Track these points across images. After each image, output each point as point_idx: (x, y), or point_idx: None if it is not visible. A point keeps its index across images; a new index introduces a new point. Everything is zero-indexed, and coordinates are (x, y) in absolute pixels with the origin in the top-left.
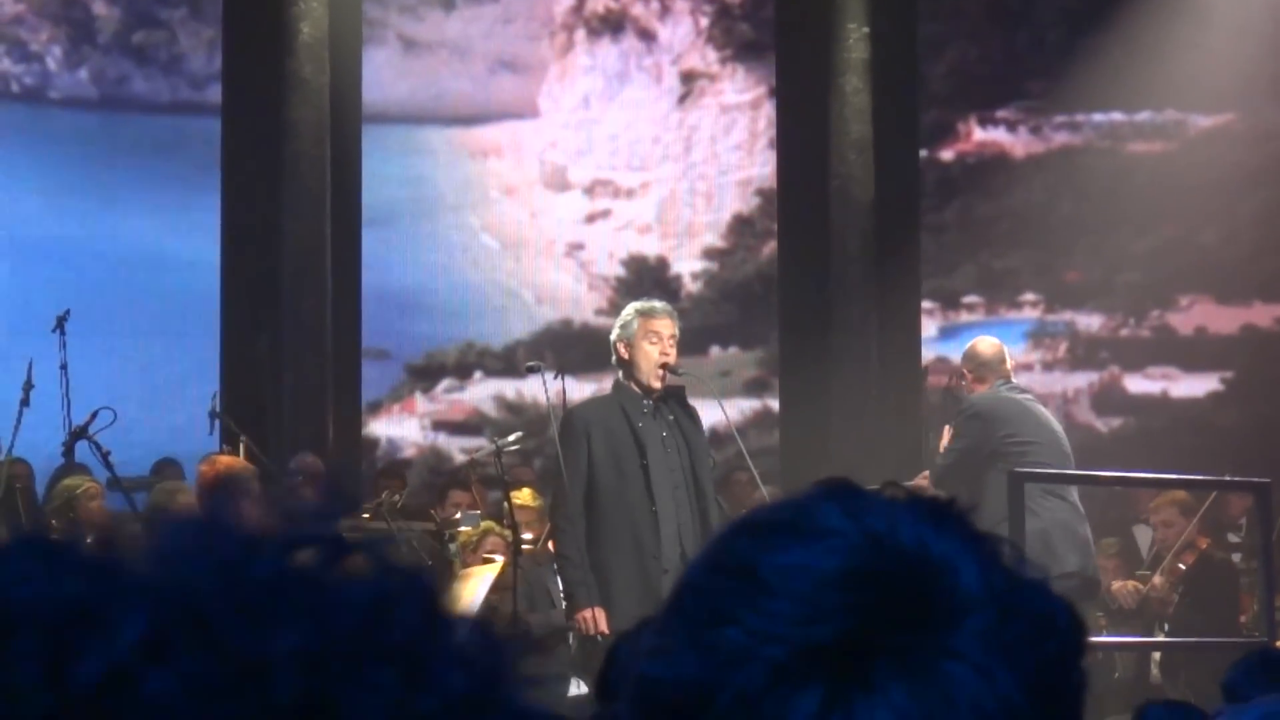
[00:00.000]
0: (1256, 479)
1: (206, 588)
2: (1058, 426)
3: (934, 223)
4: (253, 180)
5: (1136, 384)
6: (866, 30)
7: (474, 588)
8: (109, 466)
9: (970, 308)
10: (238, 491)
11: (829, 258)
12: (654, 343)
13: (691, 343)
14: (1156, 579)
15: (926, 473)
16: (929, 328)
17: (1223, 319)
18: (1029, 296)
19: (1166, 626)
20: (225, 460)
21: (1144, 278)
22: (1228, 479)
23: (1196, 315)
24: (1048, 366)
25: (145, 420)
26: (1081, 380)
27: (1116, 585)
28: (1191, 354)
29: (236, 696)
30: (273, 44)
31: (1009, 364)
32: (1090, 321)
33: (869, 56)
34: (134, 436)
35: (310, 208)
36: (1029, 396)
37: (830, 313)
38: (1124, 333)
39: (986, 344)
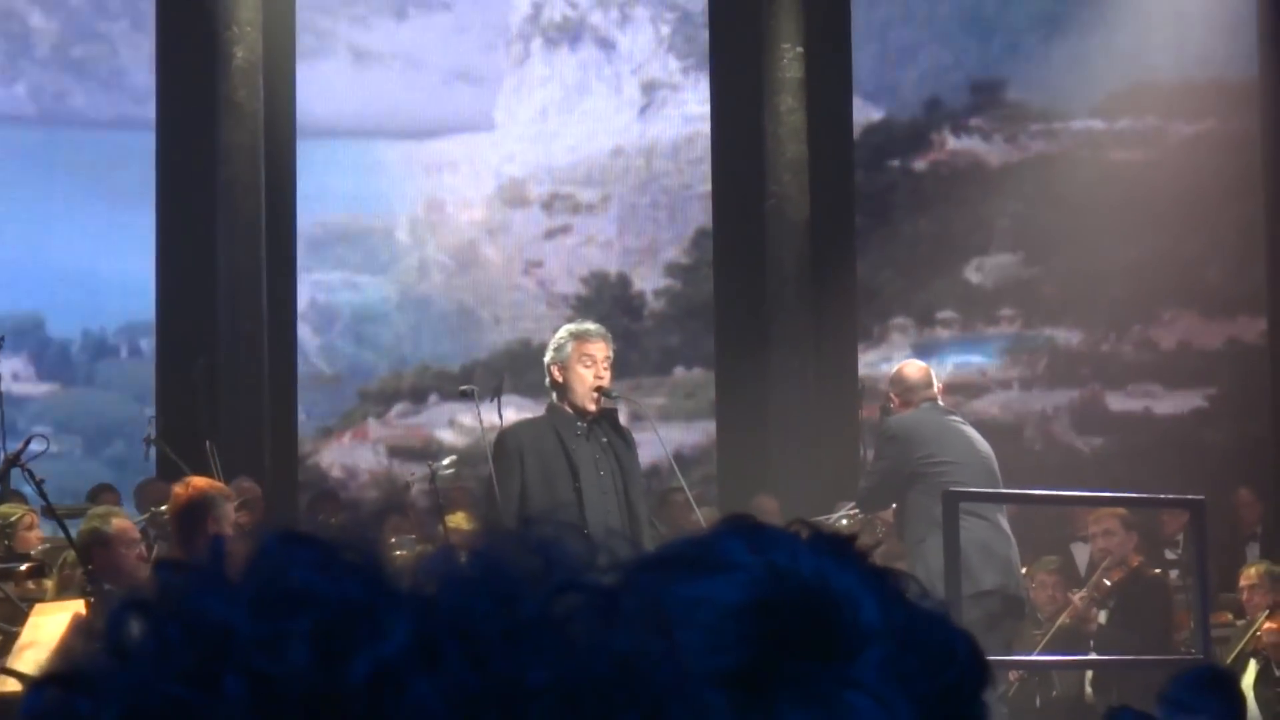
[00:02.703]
0: (1191, 496)
1: (477, 610)
2: (985, 447)
3: (909, 234)
4: (188, 203)
5: (1118, 401)
6: (800, 50)
7: None
8: (43, 494)
9: (945, 323)
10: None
11: (764, 278)
12: (588, 365)
13: (656, 363)
14: (1077, 597)
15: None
16: (902, 346)
17: (1206, 334)
18: (1006, 311)
19: (1092, 643)
20: (200, 482)
21: (1125, 291)
22: (1162, 496)
23: (1179, 330)
24: (1025, 384)
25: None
26: (1062, 398)
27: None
28: (1174, 370)
29: (495, 716)
30: (207, 68)
31: (936, 387)
32: (1070, 336)
33: (803, 76)
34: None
35: (245, 233)
36: (955, 418)
37: (767, 332)
38: (1104, 348)
39: (913, 368)
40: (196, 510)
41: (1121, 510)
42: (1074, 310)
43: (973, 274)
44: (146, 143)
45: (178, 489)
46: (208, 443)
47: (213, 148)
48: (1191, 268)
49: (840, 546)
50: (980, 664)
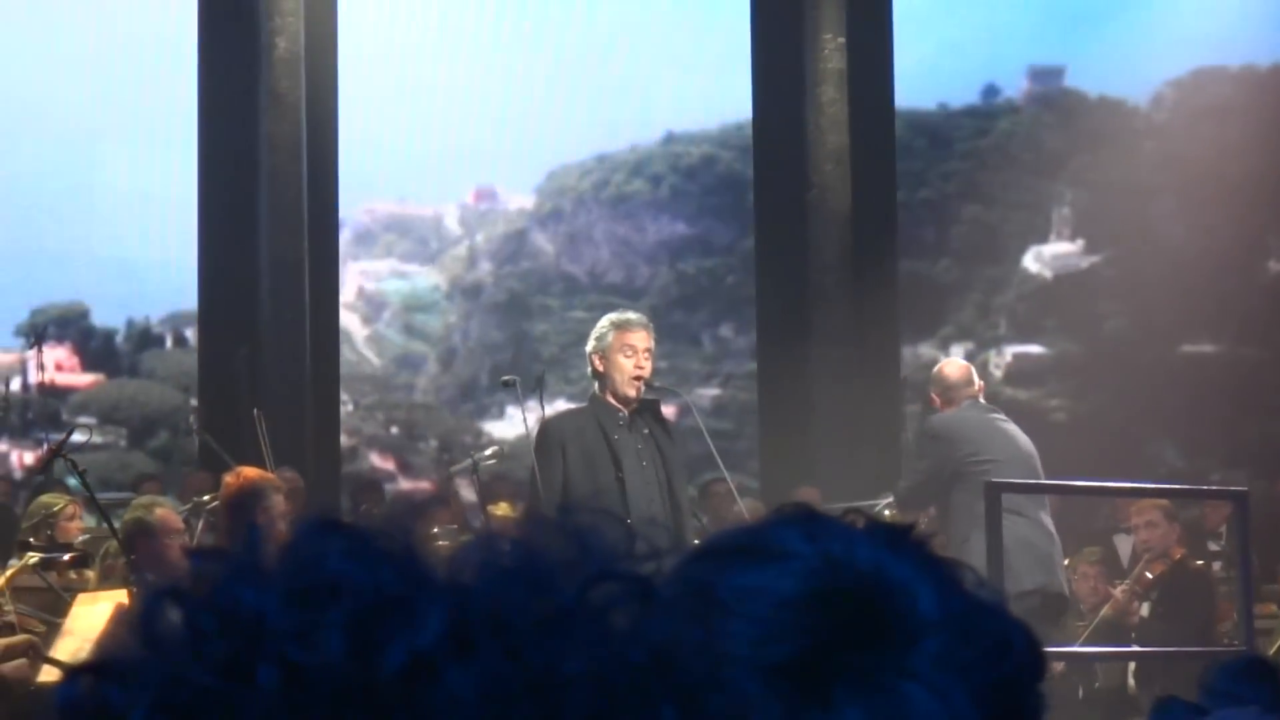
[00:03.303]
0: (1234, 488)
1: (513, 599)
2: (1027, 443)
3: (968, 222)
4: (231, 193)
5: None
6: (842, 40)
7: None
8: (85, 485)
9: (1004, 311)
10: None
11: (806, 269)
12: (629, 355)
13: (710, 354)
14: (1118, 591)
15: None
16: (959, 337)
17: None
18: (1065, 300)
19: (1134, 635)
20: (250, 473)
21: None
22: (1206, 488)
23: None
24: (1082, 373)
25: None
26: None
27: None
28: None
29: (529, 705)
30: (249, 59)
31: (976, 385)
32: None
33: (845, 67)
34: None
35: (287, 223)
36: (997, 415)
37: (809, 323)
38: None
39: (953, 366)
40: (246, 500)
41: (1164, 502)
42: (1136, 296)
43: (1031, 263)
44: (190, 131)
45: (229, 479)
46: (255, 411)
47: (255, 138)
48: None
49: (897, 536)
50: (1037, 655)
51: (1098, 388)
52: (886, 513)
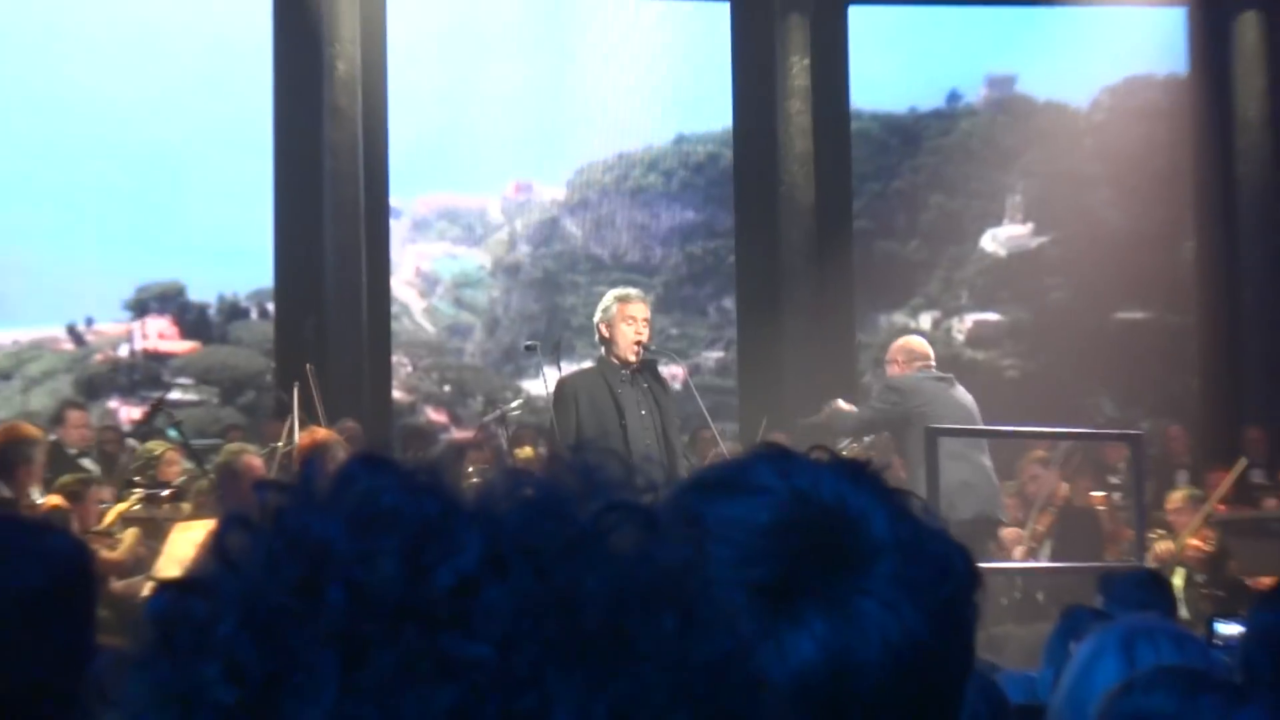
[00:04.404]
0: (1131, 431)
1: (537, 527)
2: (970, 401)
3: (935, 209)
4: (299, 190)
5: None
6: (806, 63)
7: None
8: (181, 434)
9: (965, 285)
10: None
11: (778, 251)
12: (630, 324)
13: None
14: (1021, 549)
15: (839, 401)
16: (926, 307)
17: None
18: (1017, 275)
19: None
20: (321, 433)
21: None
22: (1107, 431)
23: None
24: (1030, 334)
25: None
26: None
27: (1009, 533)
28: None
29: (554, 617)
30: (314, 79)
31: (931, 357)
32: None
33: (809, 84)
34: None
35: (346, 214)
36: (945, 380)
37: (779, 297)
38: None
39: (914, 340)
40: (317, 454)
41: (1041, 454)
42: (1077, 271)
43: (988, 243)
44: (266, 139)
45: (303, 438)
46: (308, 366)
47: (319, 145)
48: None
49: (856, 471)
50: (974, 574)
51: (1044, 349)
52: (844, 453)
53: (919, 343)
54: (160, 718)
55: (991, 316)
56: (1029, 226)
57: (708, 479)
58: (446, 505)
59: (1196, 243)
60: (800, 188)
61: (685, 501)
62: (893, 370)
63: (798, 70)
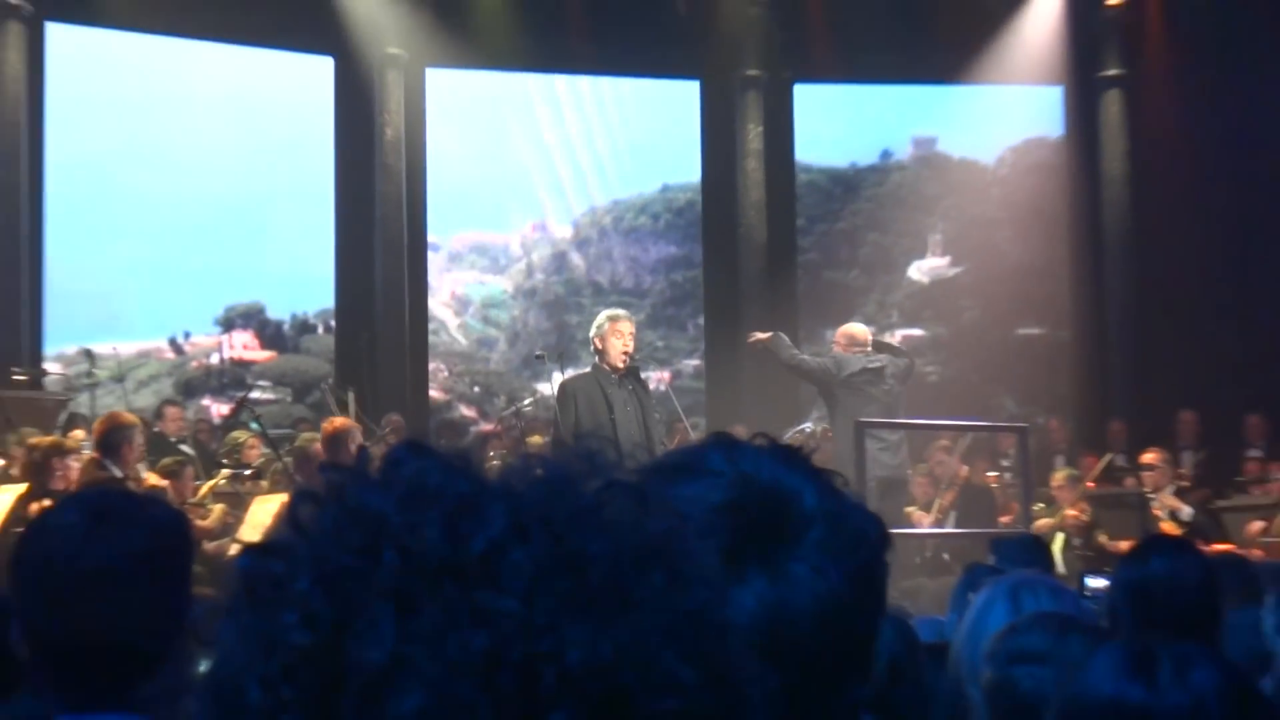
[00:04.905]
0: (1018, 424)
1: (553, 501)
2: (892, 384)
3: (872, 245)
4: (355, 231)
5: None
6: (760, 130)
7: None
8: (261, 425)
9: (896, 306)
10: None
11: (738, 279)
12: (619, 337)
13: (691, 334)
14: (928, 520)
15: (770, 334)
16: (866, 321)
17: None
18: (938, 298)
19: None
20: (339, 421)
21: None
22: (999, 424)
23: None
24: (948, 346)
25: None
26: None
27: (915, 514)
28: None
29: (566, 575)
30: (366, 141)
31: (869, 344)
32: (981, 316)
33: (762, 147)
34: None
35: (392, 249)
36: (875, 363)
37: (738, 315)
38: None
39: (857, 328)
40: (339, 437)
41: (945, 443)
42: (985, 295)
43: (914, 273)
44: (329, 190)
45: (325, 425)
46: (351, 392)
47: (371, 194)
48: (1052, 263)
49: (790, 454)
50: (886, 539)
51: (959, 358)
52: (792, 437)
53: (860, 330)
54: (247, 657)
55: (916, 331)
56: (947, 259)
57: (668, 463)
58: (477, 484)
59: (1072, 272)
60: (755, 228)
61: (650, 483)
62: (835, 349)
63: (753, 136)
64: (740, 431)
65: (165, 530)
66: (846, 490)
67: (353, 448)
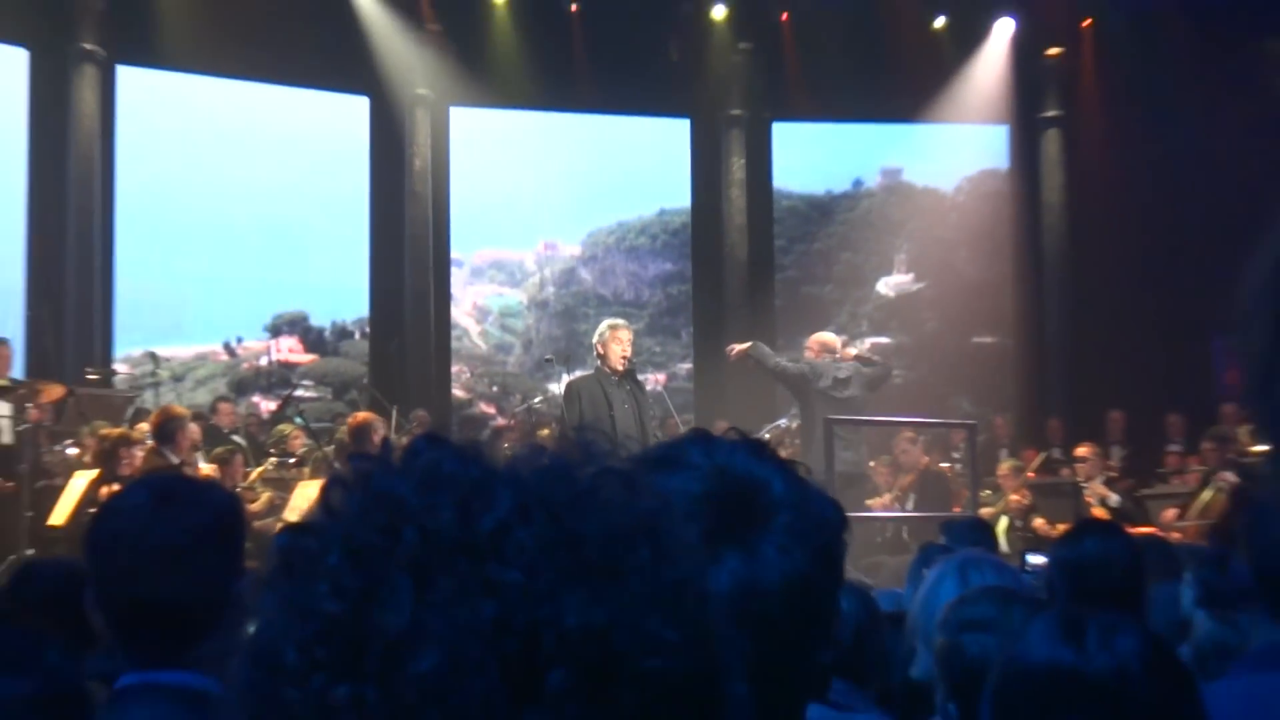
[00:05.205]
0: (968, 421)
1: (551, 485)
2: (857, 389)
3: (844, 262)
4: (387, 249)
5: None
6: (743, 162)
7: None
8: (305, 420)
9: (866, 317)
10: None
11: (723, 293)
12: (618, 344)
13: (683, 341)
14: (889, 498)
15: (749, 344)
16: (839, 330)
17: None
18: (903, 310)
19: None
20: (362, 415)
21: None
22: (951, 421)
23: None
24: (910, 352)
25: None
26: (932, 359)
27: (875, 502)
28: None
29: (565, 550)
30: (398, 171)
31: (839, 351)
32: (939, 325)
33: (745, 177)
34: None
35: (420, 265)
36: (844, 370)
37: (723, 325)
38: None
39: (828, 336)
40: (364, 429)
41: (911, 434)
42: (945, 308)
43: (882, 288)
44: (364, 212)
45: (349, 419)
46: (394, 408)
47: (401, 216)
48: (1001, 279)
49: (759, 448)
50: (844, 522)
51: (921, 363)
52: (766, 435)
53: (831, 338)
54: (284, 623)
55: (884, 339)
56: (910, 275)
57: (653, 457)
58: (487, 470)
59: (1016, 288)
60: (738, 248)
61: (639, 470)
62: (808, 355)
63: (736, 167)
64: (720, 427)
65: (223, 511)
66: (810, 479)
67: (375, 438)
